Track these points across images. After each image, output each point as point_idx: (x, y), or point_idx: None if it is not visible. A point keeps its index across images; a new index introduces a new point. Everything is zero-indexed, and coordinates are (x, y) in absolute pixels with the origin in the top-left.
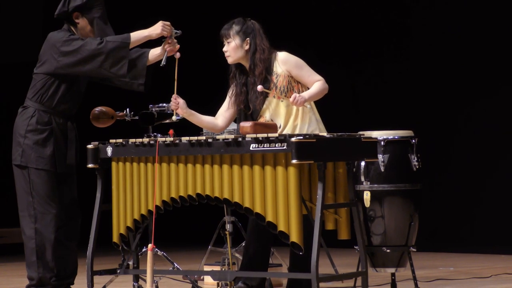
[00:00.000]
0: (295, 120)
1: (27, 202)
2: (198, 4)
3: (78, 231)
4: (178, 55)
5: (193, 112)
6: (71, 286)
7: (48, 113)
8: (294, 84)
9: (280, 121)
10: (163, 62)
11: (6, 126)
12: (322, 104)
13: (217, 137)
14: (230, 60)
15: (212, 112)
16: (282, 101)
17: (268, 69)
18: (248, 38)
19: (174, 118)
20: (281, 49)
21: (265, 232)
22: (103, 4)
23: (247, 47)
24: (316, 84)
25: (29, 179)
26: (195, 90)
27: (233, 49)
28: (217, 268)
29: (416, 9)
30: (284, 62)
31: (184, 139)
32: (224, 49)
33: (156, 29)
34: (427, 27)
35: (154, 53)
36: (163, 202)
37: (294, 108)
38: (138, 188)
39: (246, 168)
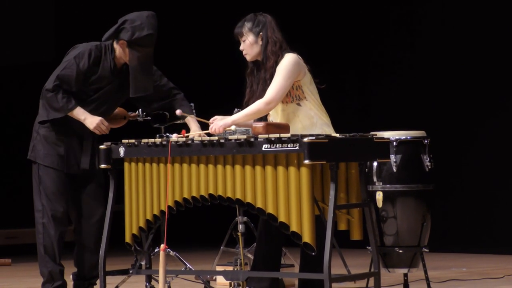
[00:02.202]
0: (296, 124)
1: (37, 197)
2: (209, 3)
3: (94, 233)
4: None
5: (231, 124)
6: (94, 286)
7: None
8: (291, 89)
9: None
10: None
11: (21, 127)
12: (334, 105)
13: (230, 137)
14: (248, 58)
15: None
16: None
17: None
18: (261, 33)
19: (233, 128)
20: (295, 51)
21: (276, 233)
22: (151, 44)
23: (261, 42)
24: (254, 103)
25: (38, 174)
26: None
27: (248, 46)
28: (230, 268)
29: (428, 6)
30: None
31: (197, 139)
32: (241, 47)
33: (90, 124)
34: (439, 25)
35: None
36: (176, 202)
37: (297, 112)
38: (150, 188)
39: (258, 168)
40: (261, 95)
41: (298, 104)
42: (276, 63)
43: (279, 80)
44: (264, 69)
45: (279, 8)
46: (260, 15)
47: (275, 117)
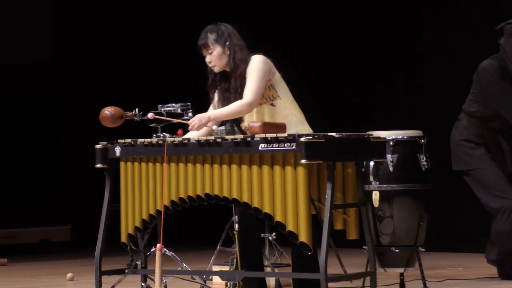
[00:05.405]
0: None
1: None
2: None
3: None
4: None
5: (208, 121)
6: None
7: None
8: (264, 90)
9: None
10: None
11: (19, 126)
12: (332, 104)
13: (226, 137)
14: (217, 69)
15: None
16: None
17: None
18: (227, 43)
19: (214, 128)
20: (260, 51)
21: (254, 231)
22: None
23: (228, 52)
24: (235, 103)
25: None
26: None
27: (216, 57)
28: (226, 268)
29: (429, 8)
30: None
31: (193, 139)
32: (207, 60)
33: None
34: (438, 29)
35: None
36: (172, 202)
37: (272, 112)
38: (146, 188)
39: (255, 168)
40: None
41: (272, 105)
42: (245, 69)
43: (254, 80)
44: (234, 77)
45: (285, 6)
46: (220, 25)
47: (249, 120)
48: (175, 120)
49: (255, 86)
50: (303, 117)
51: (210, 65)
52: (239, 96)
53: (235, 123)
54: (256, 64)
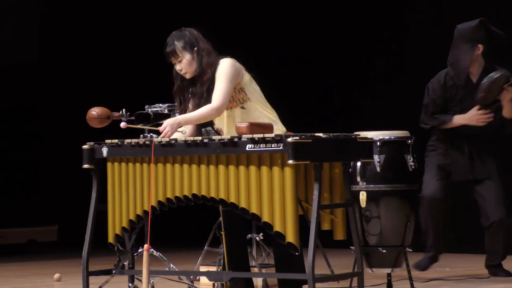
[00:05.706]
0: None
1: None
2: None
3: None
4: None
5: (178, 126)
6: None
7: None
8: (234, 93)
9: (225, 129)
10: None
11: (6, 126)
12: (318, 104)
13: (213, 137)
14: (188, 76)
15: None
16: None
17: (213, 77)
18: (195, 48)
19: (183, 130)
20: (228, 55)
21: (238, 231)
22: None
23: (197, 56)
24: (204, 107)
25: None
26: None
27: (187, 65)
28: (213, 268)
29: (416, 8)
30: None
31: (180, 139)
32: (178, 68)
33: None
34: (424, 24)
35: None
36: (159, 202)
37: (242, 115)
38: (133, 188)
39: (242, 168)
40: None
41: (243, 108)
42: (212, 74)
43: (222, 84)
44: (200, 82)
45: (271, 9)
46: (185, 30)
47: (220, 123)
48: (147, 127)
49: (223, 90)
50: (276, 116)
51: (181, 72)
52: (205, 101)
53: (210, 125)
54: (224, 68)
